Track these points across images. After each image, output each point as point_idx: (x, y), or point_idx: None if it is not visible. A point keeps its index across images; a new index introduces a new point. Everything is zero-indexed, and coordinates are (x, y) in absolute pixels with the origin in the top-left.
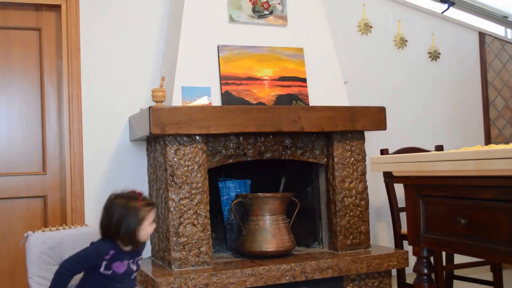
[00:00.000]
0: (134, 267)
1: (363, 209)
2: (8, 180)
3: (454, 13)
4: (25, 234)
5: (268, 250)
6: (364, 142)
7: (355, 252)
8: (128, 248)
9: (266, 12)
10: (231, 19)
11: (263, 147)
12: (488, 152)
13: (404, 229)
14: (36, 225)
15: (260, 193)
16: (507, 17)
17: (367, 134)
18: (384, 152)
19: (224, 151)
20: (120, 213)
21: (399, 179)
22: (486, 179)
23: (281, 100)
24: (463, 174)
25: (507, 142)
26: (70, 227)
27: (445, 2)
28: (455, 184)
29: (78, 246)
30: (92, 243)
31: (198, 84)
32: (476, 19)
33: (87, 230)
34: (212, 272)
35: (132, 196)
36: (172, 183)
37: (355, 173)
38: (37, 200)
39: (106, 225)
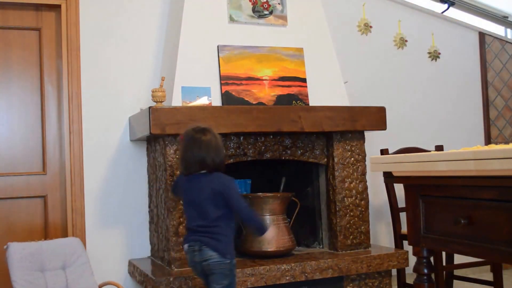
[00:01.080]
0: None
1: (363, 209)
2: (8, 180)
3: (454, 13)
4: (5, 246)
5: (268, 250)
6: (364, 142)
7: (355, 252)
8: None
9: (266, 12)
10: (231, 19)
11: (263, 147)
12: (488, 152)
13: (404, 229)
14: (36, 225)
15: (260, 193)
16: (507, 17)
17: (367, 134)
18: (384, 152)
19: (224, 151)
20: (221, 146)
21: (399, 179)
22: (486, 179)
23: (281, 100)
24: (463, 174)
25: (507, 142)
26: (49, 240)
27: (445, 2)
28: (455, 184)
29: (59, 254)
30: (229, 180)
31: (198, 84)
32: (476, 19)
33: (66, 242)
34: None
35: (209, 129)
36: (172, 183)
37: (355, 173)
38: (37, 200)
39: (215, 161)
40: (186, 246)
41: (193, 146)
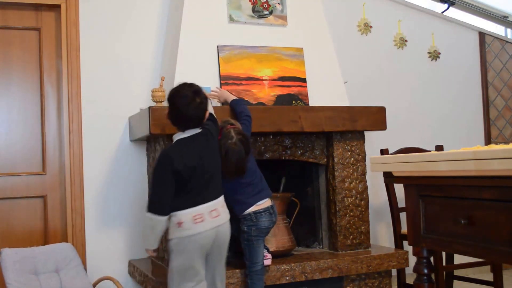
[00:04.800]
0: None
1: (363, 209)
2: (8, 180)
3: (454, 13)
4: None
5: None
6: (364, 142)
7: (355, 252)
8: None
9: (266, 12)
10: (231, 19)
11: (263, 147)
12: (488, 152)
13: (404, 229)
14: (36, 225)
15: None
16: (507, 17)
17: (367, 134)
18: (384, 152)
19: None
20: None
21: (399, 179)
22: (486, 179)
23: (281, 100)
24: (463, 174)
25: (507, 142)
26: (41, 246)
27: (445, 2)
28: (455, 184)
29: (51, 259)
30: None
31: (198, 84)
32: (476, 19)
33: (58, 247)
34: None
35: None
36: None
37: (355, 173)
38: (37, 200)
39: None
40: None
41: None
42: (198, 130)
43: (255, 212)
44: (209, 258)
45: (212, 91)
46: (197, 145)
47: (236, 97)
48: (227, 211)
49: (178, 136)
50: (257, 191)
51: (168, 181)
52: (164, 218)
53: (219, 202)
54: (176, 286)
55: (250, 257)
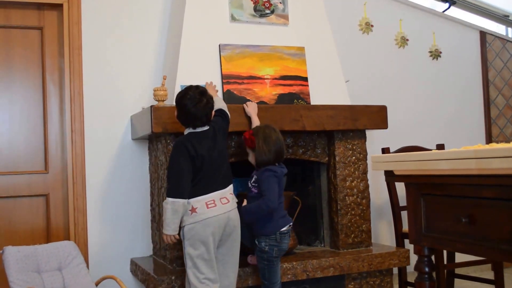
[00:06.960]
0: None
1: (364, 208)
2: (10, 179)
3: (455, 12)
4: (1, 251)
5: None
6: (365, 141)
7: (356, 251)
8: None
9: (267, 11)
10: (233, 18)
11: None
12: (489, 151)
13: (405, 227)
14: (38, 224)
15: None
16: (508, 16)
17: (368, 133)
18: (385, 151)
19: None
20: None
21: (400, 178)
22: (487, 178)
23: (282, 99)
24: (464, 173)
25: (508, 141)
26: (43, 244)
27: (446, 1)
28: (456, 183)
29: (54, 256)
30: None
31: (199, 83)
32: (477, 18)
33: (61, 245)
34: None
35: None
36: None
37: (356, 172)
38: (39, 199)
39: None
40: (286, 228)
41: (272, 140)
42: (206, 128)
43: (280, 233)
44: (220, 248)
45: (246, 103)
46: (205, 139)
47: (258, 124)
48: (235, 199)
49: (189, 130)
50: (283, 215)
51: (185, 166)
52: (185, 201)
53: (228, 191)
54: (192, 272)
55: (269, 277)
